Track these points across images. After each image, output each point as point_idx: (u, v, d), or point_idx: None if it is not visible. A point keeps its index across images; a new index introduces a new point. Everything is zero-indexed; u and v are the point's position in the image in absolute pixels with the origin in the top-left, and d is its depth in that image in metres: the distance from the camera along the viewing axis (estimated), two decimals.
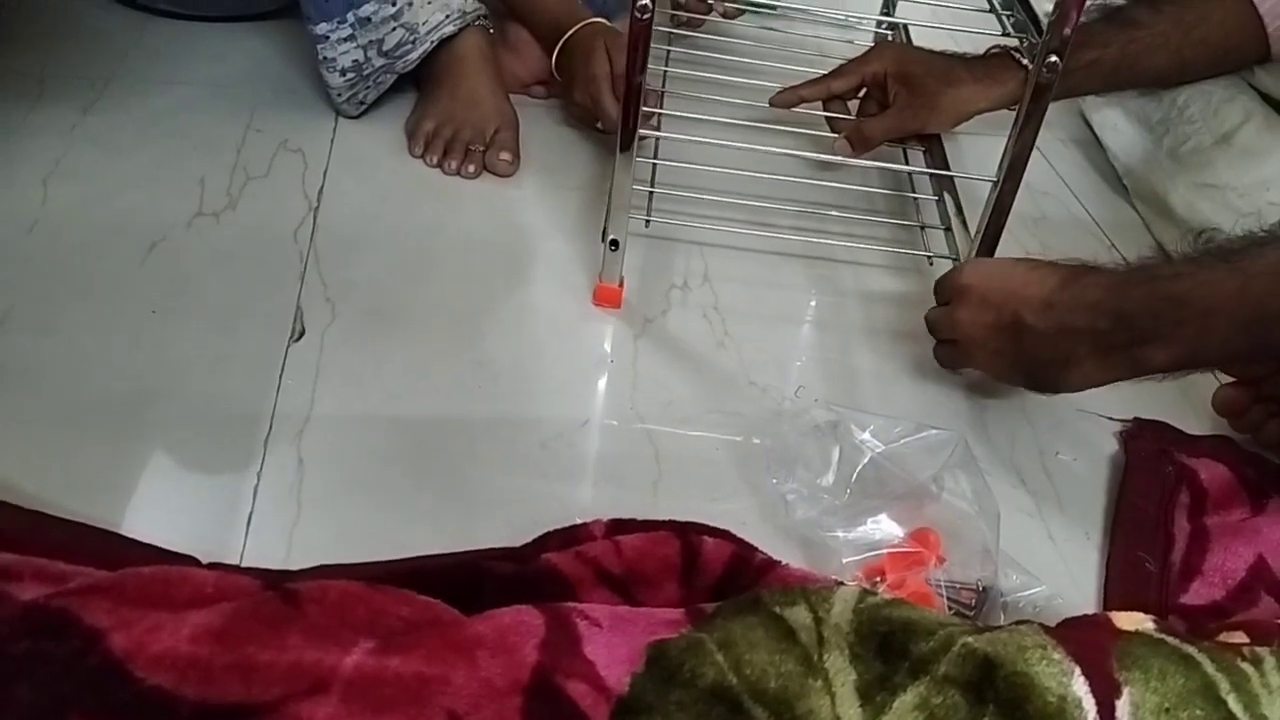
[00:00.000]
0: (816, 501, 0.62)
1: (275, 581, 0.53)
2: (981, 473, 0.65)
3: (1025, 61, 0.89)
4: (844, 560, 0.60)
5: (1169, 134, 0.97)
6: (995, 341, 0.69)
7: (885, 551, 0.60)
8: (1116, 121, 1.06)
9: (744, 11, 1.17)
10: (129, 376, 0.70)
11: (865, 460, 0.63)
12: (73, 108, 0.95)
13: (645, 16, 0.69)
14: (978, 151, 1.04)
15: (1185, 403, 0.79)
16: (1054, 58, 0.69)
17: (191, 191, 0.87)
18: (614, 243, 0.79)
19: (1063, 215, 1.01)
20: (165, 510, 0.62)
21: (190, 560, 0.56)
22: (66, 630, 0.47)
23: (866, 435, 0.63)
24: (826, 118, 0.99)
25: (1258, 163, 0.90)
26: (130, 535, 0.58)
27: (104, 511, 0.60)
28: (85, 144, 0.91)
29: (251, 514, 0.62)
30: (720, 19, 1.13)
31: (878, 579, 0.59)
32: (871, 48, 1.01)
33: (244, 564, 0.59)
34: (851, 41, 1.09)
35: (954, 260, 0.86)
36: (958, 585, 0.60)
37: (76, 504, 0.60)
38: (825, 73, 0.98)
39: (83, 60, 1.02)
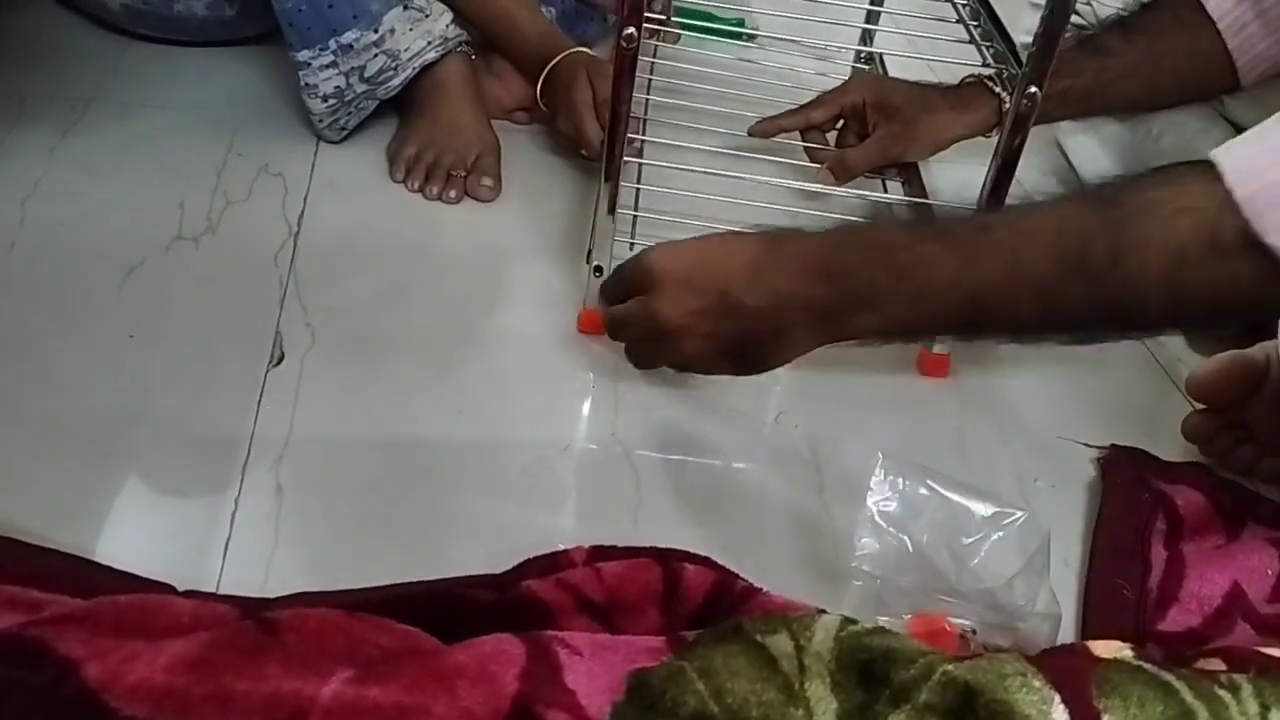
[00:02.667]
0: (888, 565, 0.60)
1: (253, 610, 0.53)
2: (1049, 569, 0.62)
3: (998, 89, 0.91)
4: (880, 617, 0.59)
5: (1143, 164, 0.99)
6: (704, 325, 0.62)
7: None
8: (1092, 150, 1.07)
9: (680, 37, 1.18)
10: (106, 401, 0.69)
11: (950, 552, 0.60)
12: (52, 130, 0.95)
13: (631, 46, 0.70)
14: (952, 180, 1.05)
15: (1162, 429, 0.79)
16: (1034, 89, 0.70)
17: (171, 215, 0.87)
18: (598, 268, 0.79)
19: None
20: (141, 537, 0.61)
21: (166, 588, 0.55)
22: (41, 660, 0.47)
23: (957, 516, 0.60)
24: (805, 148, 1.00)
25: None
26: (106, 562, 0.58)
27: (79, 538, 0.59)
28: (64, 166, 0.91)
29: (229, 541, 0.62)
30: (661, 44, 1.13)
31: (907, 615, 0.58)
32: (849, 78, 1.02)
33: (221, 592, 0.58)
34: (826, 75, 1.10)
35: None
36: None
37: (51, 530, 0.59)
38: (804, 103, 0.99)
39: (63, 82, 1.02)
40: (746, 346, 0.63)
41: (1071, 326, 0.60)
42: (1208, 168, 0.53)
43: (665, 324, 0.63)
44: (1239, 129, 0.94)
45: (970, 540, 0.60)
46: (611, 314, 0.68)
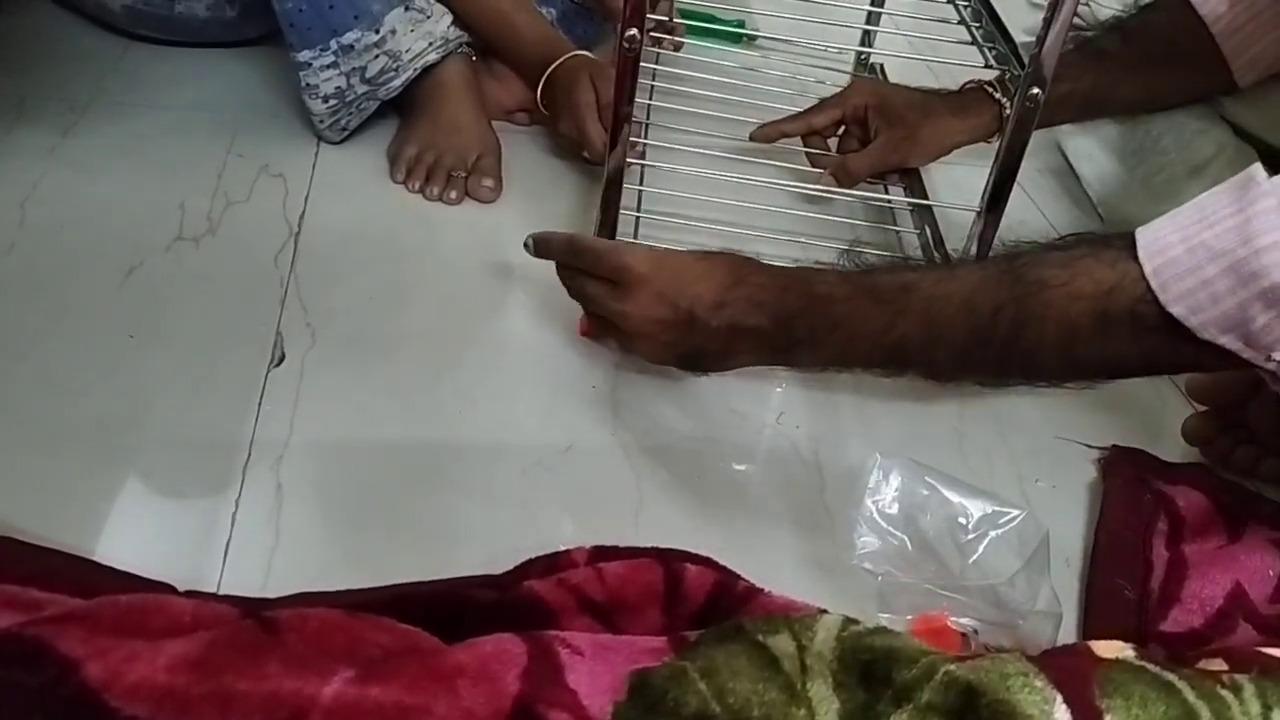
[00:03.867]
0: (889, 563, 0.61)
1: (253, 610, 0.52)
2: (1049, 568, 0.62)
3: (998, 95, 0.91)
4: (881, 615, 0.59)
5: (1143, 164, 0.99)
6: (664, 334, 0.69)
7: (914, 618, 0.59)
8: (1091, 151, 1.07)
9: (682, 45, 1.18)
10: (106, 402, 0.69)
11: (950, 550, 0.61)
12: (52, 130, 0.95)
13: (633, 48, 0.70)
14: (951, 181, 1.05)
15: (1162, 430, 0.79)
16: (1036, 90, 0.70)
17: (171, 216, 0.87)
18: None
19: None
20: (142, 537, 0.61)
21: (167, 588, 0.55)
22: (40, 660, 0.47)
23: (956, 514, 0.61)
24: (807, 153, 1.00)
25: None
26: (106, 562, 0.57)
27: (80, 538, 0.59)
28: (64, 167, 0.90)
29: (229, 541, 0.61)
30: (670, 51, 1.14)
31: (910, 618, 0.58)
32: (850, 84, 1.02)
33: (222, 592, 0.58)
34: (823, 82, 1.10)
35: None
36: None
37: (52, 531, 0.59)
38: (805, 108, 0.99)
39: (62, 83, 1.01)
40: (697, 356, 0.71)
41: (983, 378, 0.69)
42: (1130, 242, 0.59)
43: (630, 323, 0.70)
44: (1238, 129, 0.95)
45: (969, 538, 0.61)
46: (587, 290, 0.72)
